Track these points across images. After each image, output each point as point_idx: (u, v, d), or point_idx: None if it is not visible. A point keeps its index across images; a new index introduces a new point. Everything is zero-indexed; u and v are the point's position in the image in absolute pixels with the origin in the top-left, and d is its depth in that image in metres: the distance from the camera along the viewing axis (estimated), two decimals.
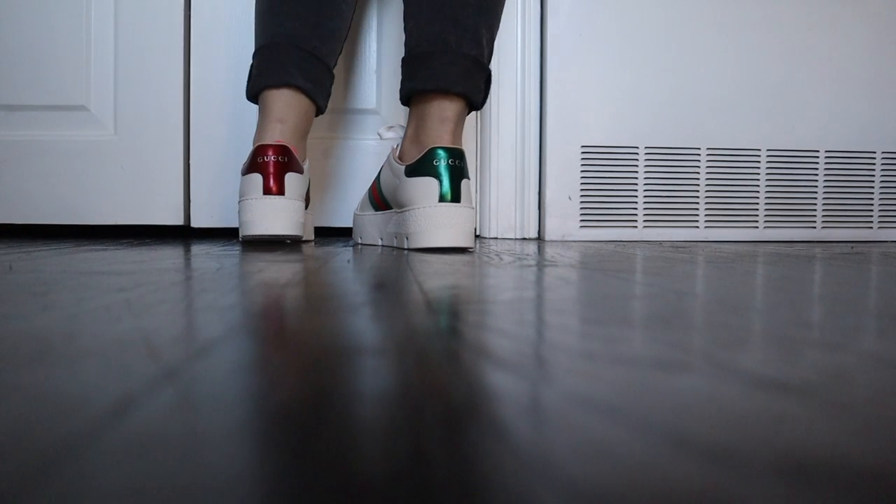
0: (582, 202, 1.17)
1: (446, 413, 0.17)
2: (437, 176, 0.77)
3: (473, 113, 1.05)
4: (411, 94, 0.82)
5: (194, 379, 0.20)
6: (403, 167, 0.81)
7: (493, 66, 1.15)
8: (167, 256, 0.68)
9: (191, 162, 1.11)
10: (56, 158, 1.09)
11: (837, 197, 1.23)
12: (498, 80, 1.15)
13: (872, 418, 0.17)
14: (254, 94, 0.86)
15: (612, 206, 1.17)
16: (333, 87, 1.15)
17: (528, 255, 0.76)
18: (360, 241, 0.95)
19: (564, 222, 1.16)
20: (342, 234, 1.15)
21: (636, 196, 1.18)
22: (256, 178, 0.82)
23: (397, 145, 0.86)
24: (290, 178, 0.83)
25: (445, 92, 0.80)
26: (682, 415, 0.17)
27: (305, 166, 0.89)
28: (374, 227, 0.92)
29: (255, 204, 0.82)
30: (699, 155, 1.19)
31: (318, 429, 0.15)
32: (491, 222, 1.18)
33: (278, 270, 0.54)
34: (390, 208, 0.88)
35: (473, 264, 0.62)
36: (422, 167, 0.78)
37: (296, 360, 0.22)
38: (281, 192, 0.82)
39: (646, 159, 1.17)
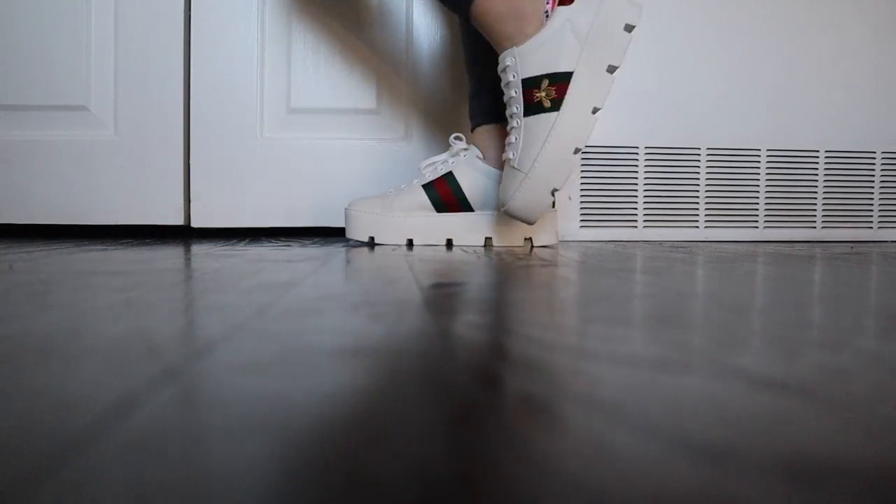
0: (582, 202, 1.17)
1: (446, 413, 0.17)
2: None
3: None
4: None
5: (195, 378, 0.20)
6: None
7: None
8: (167, 256, 0.68)
9: (191, 162, 1.11)
10: (56, 158, 1.09)
11: (837, 197, 1.23)
12: None
13: (872, 418, 0.17)
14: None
15: (612, 206, 1.17)
16: (333, 87, 1.16)
17: (528, 254, 0.76)
18: (411, 242, 0.95)
19: (564, 222, 1.16)
20: (341, 234, 1.15)
21: (636, 196, 1.18)
22: None
23: (481, 156, 0.94)
24: None
25: None
26: (682, 415, 0.17)
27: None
28: (439, 227, 0.95)
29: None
30: (699, 155, 1.19)
31: (318, 428, 0.15)
32: None
33: (278, 270, 0.54)
34: (466, 210, 0.94)
35: (473, 264, 0.62)
36: None
37: (295, 360, 0.22)
38: None
39: (646, 159, 1.17)
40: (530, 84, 0.79)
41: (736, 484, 0.12)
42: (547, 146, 0.78)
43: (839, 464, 0.13)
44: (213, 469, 0.13)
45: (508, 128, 0.84)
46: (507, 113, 0.83)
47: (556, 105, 0.78)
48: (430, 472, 0.13)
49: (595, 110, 0.78)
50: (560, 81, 0.77)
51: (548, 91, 0.78)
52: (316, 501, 0.11)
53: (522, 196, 0.81)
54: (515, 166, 0.81)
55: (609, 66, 0.77)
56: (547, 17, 0.79)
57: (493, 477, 0.13)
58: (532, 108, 0.79)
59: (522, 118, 0.80)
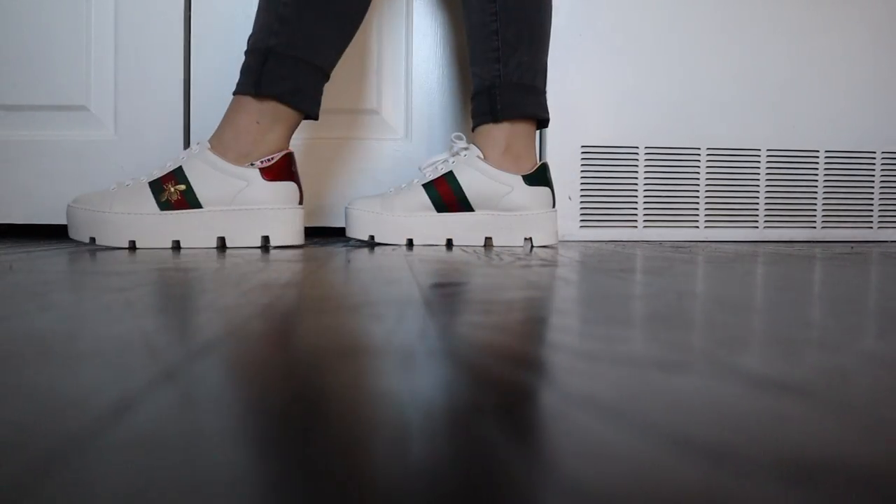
0: (582, 202, 1.17)
1: (446, 413, 0.17)
2: (551, 187, 0.97)
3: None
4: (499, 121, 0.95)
5: (194, 379, 0.20)
6: (521, 176, 0.94)
7: None
8: (167, 256, 0.68)
9: None
10: (56, 158, 1.09)
11: (837, 197, 1.23)
12: None
13: (872, 418, 0.17)
14: (269, 95, 0.84)
15: (612, 206, 1.17)
16: (333, 87, 1.15)
17: (528, 254, 0.76)
18: (411, 241, 0.94)
19: (564, 222, 1.16)
20: (341, 234, 1.15)
21: (636, 196, 1.17)
22: (293, 188, 0.87)
23: (482, 155, 0.95)
24: None
25: (531, 118, 0.95)
26: (682, 415, 0.17)
27: None
28: (439, 227, 0.95)
29: (296, 214, 0.87)
30: (699, 155, 1.19)
31: (319, 429, 0.15)
32: None
33: (278, 270, 0.54)
34: (466, 209, 0.95)
35: (473, 264, 0.62)
36: (540, 178, 0.95)
37: (296, 360, 0.22)
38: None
39: (646, 159, 1.17)
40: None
41: (736, 484, 0.12)
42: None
43: (839, 464, 0.13)
44: (212, 469, 0.13)
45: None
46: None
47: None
48: (429, 472, 0.13)
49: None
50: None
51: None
52: (315, 502, 0.11)
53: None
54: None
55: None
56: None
57: (493, 477, 0.13)
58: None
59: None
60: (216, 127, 0.87)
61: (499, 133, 0.94)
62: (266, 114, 0.84)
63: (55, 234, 1.12)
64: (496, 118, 0.93)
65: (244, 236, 0.84)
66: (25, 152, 1.09)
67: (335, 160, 1.14)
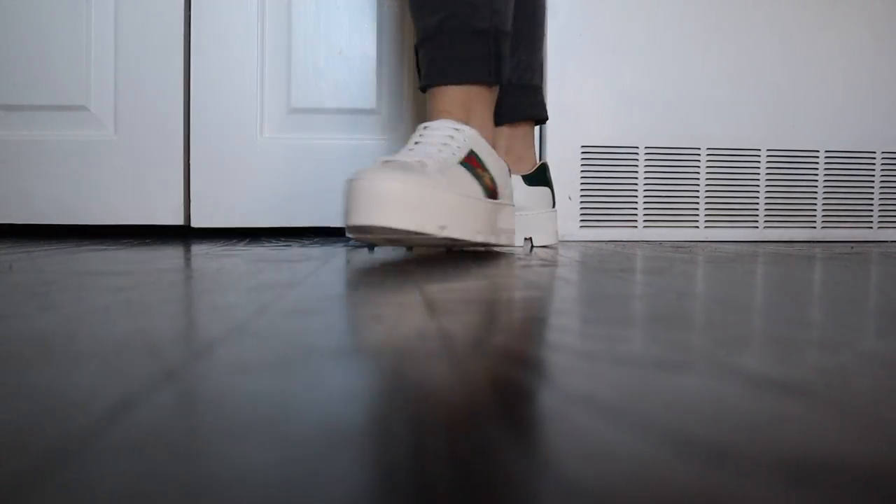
0: (582, 202, 1.17)
1: (446, 413, 0.17)
2: (551, 186, 0.95)
3: None
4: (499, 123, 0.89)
5: (195, 379, 0.20)
6: (521, 176, 0.91)
7: None
8: (167, 256, 0.68)
9: (191, 162, 1.11)
10: (56, 158, 1.09)
11: (837, 197, 1.23)
12: None
13: (872, 418, 0.17)
14: (501, 81, 0.77)
15: (612, 206, 1.17)
16: (333, 87, 1.16)
17: (527, 254, 0.76)
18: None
19: (564, 222, 1.15)
20: (341, 234, 1.15)
21: (636, 196, 1.17)
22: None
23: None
24: None
25: (531, 119, 0.95)
26: (682, 415, 0.17)
27: None
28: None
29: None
30: (699, 155, 1.19)
31: (318, 429, 0.15)
32: None
33: (279, 271, 0.54)
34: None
35: (473, 264, 0.62)
36: (540, 178, 0.93)
37: (295, 360, 0.22)
38: None
39: (646, 159, 1.17)
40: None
41: (736, 484, 0.12)
42: None
43: (839, 464, 0.13)
44: (212, 469, 0.13)
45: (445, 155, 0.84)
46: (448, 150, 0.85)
47: None
48: (430, 472, 0.13)
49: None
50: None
51: None
52: (314, 502, 0.11)
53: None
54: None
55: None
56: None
57: (492, 476, 0.13)
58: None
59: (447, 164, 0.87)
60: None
61: (499, 136, 0.94)
62: (494, 101, 0.77)
63: (55, 234, 1.12)
64: (496, 122, 0.93)
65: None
66: (25, 152, 1.08)
67: (335, 160, 1.14)
